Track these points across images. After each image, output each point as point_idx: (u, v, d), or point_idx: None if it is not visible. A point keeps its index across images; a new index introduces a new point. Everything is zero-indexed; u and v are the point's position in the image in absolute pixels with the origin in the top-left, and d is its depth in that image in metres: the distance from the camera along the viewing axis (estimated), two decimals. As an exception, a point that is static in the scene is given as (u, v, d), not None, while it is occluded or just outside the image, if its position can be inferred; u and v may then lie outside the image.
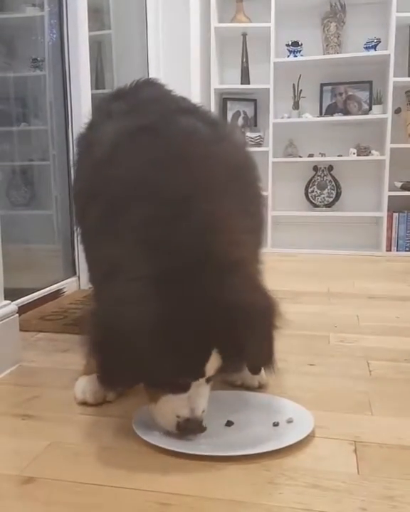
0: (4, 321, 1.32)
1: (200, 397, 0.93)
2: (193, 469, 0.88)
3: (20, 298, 1.84)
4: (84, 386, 1.13)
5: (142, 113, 1.14)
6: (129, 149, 1.03)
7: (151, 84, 1.37)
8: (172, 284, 0.86)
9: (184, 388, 0.92)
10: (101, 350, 0.90)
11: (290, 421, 1.02)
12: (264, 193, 1.21)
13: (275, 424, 1.01)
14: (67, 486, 0.84)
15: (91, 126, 1.29)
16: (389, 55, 3.29)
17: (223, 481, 0.85)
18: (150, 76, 2.96)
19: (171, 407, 0.93)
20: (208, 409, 0.96)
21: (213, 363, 0.90)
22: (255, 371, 1.07)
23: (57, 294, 2.14)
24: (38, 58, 2.56)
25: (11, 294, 1.41)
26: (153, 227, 0.91)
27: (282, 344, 1.51)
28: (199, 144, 1.05)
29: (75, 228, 1.36)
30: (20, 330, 1.42)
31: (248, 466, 0.89)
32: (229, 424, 1.01)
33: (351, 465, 0.90)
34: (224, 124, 1.36)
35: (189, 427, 0.92)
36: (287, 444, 0.93)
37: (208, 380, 0.94)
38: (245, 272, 0.94)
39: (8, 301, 1.37)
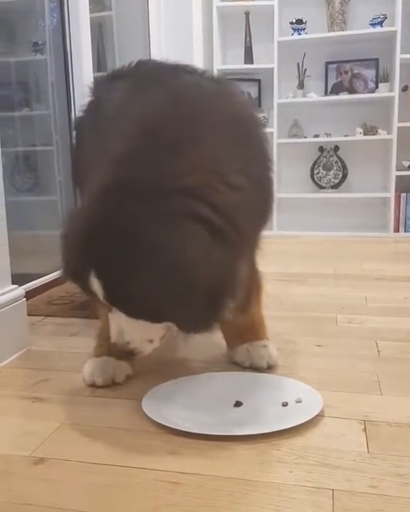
0: (12, 305, 1.32)
1: (128, 326, 0.93)
2: (203, 449, 0.89)
3: (27, 283, 1.84)
4: (92, 368, 1.14)
5: (144, 75, 1.14)
6: (128, 104, 1.04)
7: (153, 62, 1.36)
8: (96, 198, 0.88)
9: (106, 307, 0.95)
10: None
11: (298, 401, 1.02)
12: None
13: (284, 404, 1.01)
14: (78, 466, 0.85)
15: (91, 107, 1.27)
16: (396, 31, 3.22)
17: (233, 460, 0.86)
18: (152, 57, 2.92)
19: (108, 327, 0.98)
20: (216, 391, 0.98)
21: (97, 289, 0.88)
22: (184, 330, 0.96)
23: (63, 279, 2.14)
24: (39, 42, 2.53)
25: (17, 279, 1.41)
26: (123, 152, 0.91)
27: (290, 326, 1.53)
28: (201, 94, 1.03)
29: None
30: (28, 314, 1.42)
31: (258, 445, 0.89)
32: (238, 404, 1.01)
33: (361, 444, 0.90)
34: (228, 81, 1.32)
35: (115, 349, 0.97)
36: (297, 423, 0.93)
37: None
38: (188, 207, 0.84)
39: (16, 286, 1.37)
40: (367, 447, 0.89)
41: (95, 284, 0.88)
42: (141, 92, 1.05)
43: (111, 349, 1.00)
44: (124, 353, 0.97)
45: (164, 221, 0.83)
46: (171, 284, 0.84)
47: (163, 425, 0.94)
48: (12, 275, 1.36)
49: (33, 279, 1.95)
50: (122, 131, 0.96)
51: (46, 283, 2.01)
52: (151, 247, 0.83)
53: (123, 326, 0.94)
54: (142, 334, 0.95)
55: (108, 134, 1.02)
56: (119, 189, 0.86)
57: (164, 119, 0.94)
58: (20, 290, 1.38)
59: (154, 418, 0.96)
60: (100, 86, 1.29)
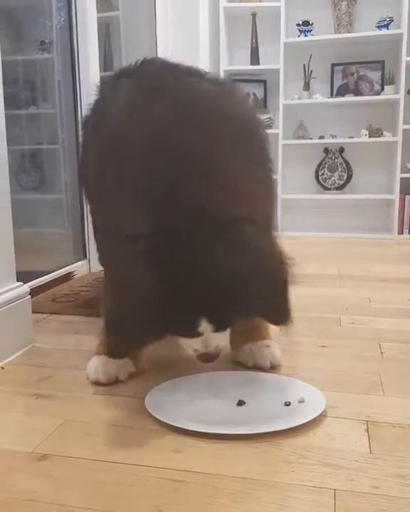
0: (17, 302, 1.33)
1: (212, 336, 0.96)
2: (206, 447, 0.89)
3: (31, 280, 1.85)
4: (96, 366, 1.14)
5: (149, 77, 1.14)
6: (136, 109, 1.03)
7: (159, 61, 1.36)
8: (165, 247, 0.87)
9: (190, 336, 0.96)
10: (107, 317, 0.94)
11: (301, 401, 1.02)
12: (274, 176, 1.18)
13: (287, 404, 1.01)
14: (81, 463, 0.85)
15: (98, 105, 1.27)
16: (402, 34, 3.23)
17: (236, 459, 0.86)
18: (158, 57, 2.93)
19: (187, 342, 0.98)
20: (219, 390, 0.99)
21: (205, 326, 0.93)
22: (276, 324, 1.07)
23: (68, 276, 2.15)
24: (46, 41, 2.54)
25: (22, 277, 1.41)
26: (148, 180, 0.91)
27: (294, 326, 1.52)
28: (205, 99, 1.05)
29: (85, 205, 1.36)
30: (33, 312, 1.43)
31: (260, 444, 0.90)
32: (241, 403, 1.02)
33: (364, 444, 0.90)
34: (231, 85, 1.36)
35: (203, 358, 0.99)
36: (299, 423, 0.93)
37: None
38: (241, 230, 0.91)
39: (21, 283, 1.37)
40: (370, 448, 0.89)
41: (205, 324, 0.92)
42: (146, 98, 1.04)
43: (199, 359, 0.99)
44: (214, 357, 0.99)
45: (242, 249, 0.90)
46: (277, 295, 0.96)
47: (166, 423, 0.94)
48: (17, 272, 1.37)
49: (38, 277, 1.95)
50: (132, 147, 0.96)
51: (51, 280, 2.02)
52: (248, 275, 0.89)
53: (208, 335, 0.96)
54: (223, 334, 0.99)
55: (116, 145, 1.00)
56: (179, 232, 0.87)
57: (176, 129, 0.94)
58: (25, 287, 1.39)
59: (157, 416, 0.96)
60: (107, 84, 1.29)
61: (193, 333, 0.94)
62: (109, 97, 1.19)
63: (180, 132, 0.94)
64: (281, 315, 1.01)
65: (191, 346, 0.98)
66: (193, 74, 1.18)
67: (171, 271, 0.87)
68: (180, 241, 0.87)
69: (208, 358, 0.99)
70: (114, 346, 1.01)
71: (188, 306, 0.90)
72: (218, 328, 0.95)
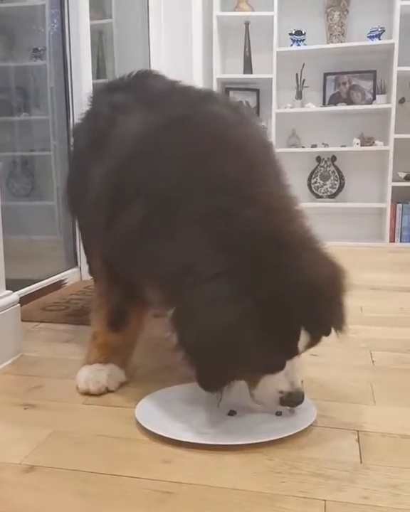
0: (6, 310, 1.32)
1: (295, 371, 0.96)
2: (196, 458, 0.88)
3: (21, 288, 1.84)
4: (86, 376, 1.13)
5: (164, 104, 1.11)
6: (164, 142, 1.01)
7: (153, 75, 1.34)
8: (256, 277, 0.88)
9: (280, 367, 0.94)
10: (201, 354, 0.89)
11: (292, 411, 1.01)
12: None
13: (278, 414, 1.01)
14: (69, 474, 0.84)
15: (92, 117, 1.26)
16: (393, 44, 3.26)
17: (226, 469, 0.85)
18: (152, 66, 2.94)
19: (273, 385, 0.95)
20: (210, 399, 0.97)
21: (303, 341, 0.92)
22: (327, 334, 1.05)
23: (58, 284, 2.14)
24: (39, 48, 2.54)
25: (12, 285, 1.40)
26: (217, 218, 0.91)
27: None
28: (232, 129, 1.06)
29: (76, 225, 1.32)
30: (22, 320, 1.42)
31: (251, 455, 0.89)
32: (232, 413, 1.01)
33: (354, 454, 0.90)
34: (242, 108, 1.37)
35: (292, 400, 0.96)
36: (290, 433, 0.93)
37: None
38: (312, 247, 0.97)
39: (10, 291, 1.36)
40: (360, 458, 0.89)
41: (305, 338, 0.92)
42: (177, 131, 1.02)
43: (285, 403, 0.96)
44: (301, 397, 0.96)
45: (322, 262, 0.97)
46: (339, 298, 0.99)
47: (156, 434, 0.93)
48: (6, 280, 1.36)
49: (28, 285, 1.94)
50: (182, 182, 0.96)
51: (41, 288, 2.01)
52: (334, 279, 0.97)
53: (294, 373, 0.95)
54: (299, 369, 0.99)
55: (154, 181, 0.98)
56: (264, 258, 0.89)
57: (231, 176, 0.96)
58: (15, 296, 1.38)
59: (146, 426, 0.95)
60: (99, 96, 1.28)
61: (293, 354, 0.94)
62: (106, 114, 1.15)
63: (232, 168, 0.96)
64: (343, 321, 1.02)
65: (276, 389, 0.94)
66: (207, 98, 1.17)
67: (268, 296, 0.87)
68: (270, 267, 0.88)
69: (298, 399, 0.95)
70: (214, 385, 0.95)
71: (291, 322, 0.90)
72: (315, 340, 0.95)
